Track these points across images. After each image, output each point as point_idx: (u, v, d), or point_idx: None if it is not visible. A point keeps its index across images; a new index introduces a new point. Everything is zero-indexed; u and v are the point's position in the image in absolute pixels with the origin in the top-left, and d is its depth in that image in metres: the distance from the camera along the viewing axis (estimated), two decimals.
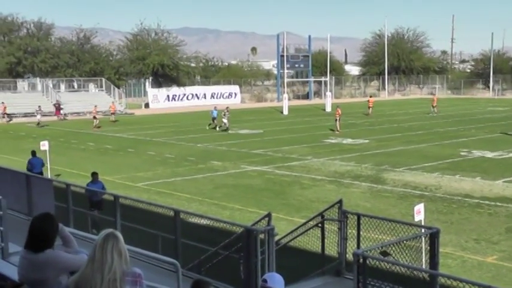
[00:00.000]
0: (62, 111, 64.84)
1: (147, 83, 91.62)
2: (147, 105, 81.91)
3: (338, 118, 49.38)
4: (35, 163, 26.18)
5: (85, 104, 70.97)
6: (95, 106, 60.73)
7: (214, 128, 52.24)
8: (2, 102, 64.59)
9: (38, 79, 78.66)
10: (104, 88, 78.57)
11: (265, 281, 6.53)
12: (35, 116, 60.25)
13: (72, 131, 52.25)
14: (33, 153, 26.75)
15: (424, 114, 65.71)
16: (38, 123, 58.39)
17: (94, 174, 20.39)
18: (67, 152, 39.49)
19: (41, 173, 25.47)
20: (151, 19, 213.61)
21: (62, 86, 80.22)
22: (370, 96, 71.74)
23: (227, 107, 54.10)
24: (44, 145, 29.57)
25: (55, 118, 65.29)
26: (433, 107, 67.06)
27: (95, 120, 57.22)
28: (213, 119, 53.44)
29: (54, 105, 66.81)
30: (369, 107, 66.94)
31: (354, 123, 56.55)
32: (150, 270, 11.20)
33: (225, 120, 51.25)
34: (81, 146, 42.23)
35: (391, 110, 65.68)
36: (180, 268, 9.67)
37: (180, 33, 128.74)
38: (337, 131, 48.60)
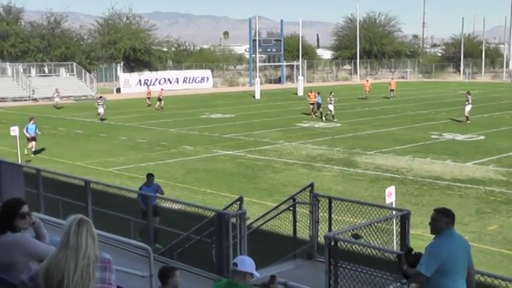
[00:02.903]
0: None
1: (118, 68, 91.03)
2: (118, 90, 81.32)
3: (311, 103, 49.41)
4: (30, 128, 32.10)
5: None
6: (148, 87, 66.86)
7: (321, 117, 47.70)
8: None
9: (7, 64, 77.70)
10: (75, 73, 77.85)
11: (235, 264, 6.53)
12: (54, 98, 60.92)
13: (43, 116, 51.74)
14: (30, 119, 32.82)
15: (388, 98, 65.70)
16: (55, 106, 59.41)
17: (149, 176, 17.68)
18: (38, 137, 39.12)
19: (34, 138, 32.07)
20: (123, 3, 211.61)
21: (33, 71, 79.53)
22: (367, 81, 71.09)
23: (331, 92, 48.54)
24: (14, 130, 29.35)
25: (28, 103, 64.78)
26: (391, 90, 66.80)
27: (147, 101, 60.03)
28: (318, 106, 49.17)
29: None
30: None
31: (326, 107, 56.60)
32: (122, 255, 11.18)
33: (331, 107, 46.26)
34: (52, 131, 41.85)
35: (363, 93, 65.74)
36: (151, 253, 9.67)
37: (152, 18, 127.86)
38: (314, 115, 48.55)
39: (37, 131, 32.99)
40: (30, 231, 6.19)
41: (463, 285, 8.00)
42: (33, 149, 31.95)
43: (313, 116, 48.32)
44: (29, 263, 5.71)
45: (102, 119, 47.90)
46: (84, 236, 4.79)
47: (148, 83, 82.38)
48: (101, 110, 48.31)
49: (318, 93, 49.32)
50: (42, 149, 33.22)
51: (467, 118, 42.74)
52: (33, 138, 32.17)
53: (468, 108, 42.94)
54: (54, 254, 4.88)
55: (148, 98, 60.53)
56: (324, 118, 46.27)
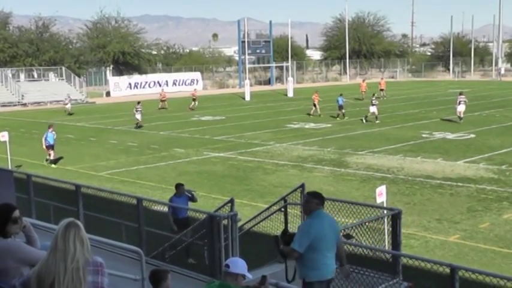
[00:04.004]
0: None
1: (107, 71, 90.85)
2: (108, 94, 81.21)
3: (317, 102, 49.34)
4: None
5: (45, 94, 70.23)
6: (195, 89, 66.18)
7: (341, 117, 46.93)
8: None
9: None
10: (64, 77, 77.57)
11: (227, 266, 6.54)
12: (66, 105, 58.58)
13: (33, 121, 51.63)
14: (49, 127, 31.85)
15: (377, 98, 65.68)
16: (67, 111, 57.33)
17: (179, 186, 16.29)
18: (28, 142, 39.05)
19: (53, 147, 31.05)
20: (111, 7, 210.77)
21: (22, 76, 79.14)
22: (363, 81, 71.07)
23: (374, 94, 46.93)
24: (4, 136, 29.24)
25: (17, 108, 64.59)
26: (381, 90, 66.91)
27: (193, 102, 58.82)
28: (340, 107, 47.46)
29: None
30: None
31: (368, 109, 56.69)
32: (114, 259, 11.16)
33: (373, 109, 44.27)
34: (42, 136, 41.69)
35: (353, 93, 65.83)
36: (143, 256, 9.65)
37: (141, 21, 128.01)
38: (317, 115, 48.52)
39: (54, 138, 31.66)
40: (20, 236, 6.19)
41: (333, 260, 9.10)
42: (51, 158, 31.02)
43: (311, 115, 48.35)
44: (20, 269, 5.71)
45: (139, 126, 44.80)
46: (71, 239, 4.79)
47: (138, 86, 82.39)
48: (138, 116, 45.21)
49: (340, 94, 48.88)
50: (60, 158, 32.22)
51: (460, 118, 42.28)
52: (52, 147, 31.09)
53: (460, 108, 42.55)
54: (45, 258, 4.90)
55: (163, 101, 60.31)
56: (364, 120, 44.32)
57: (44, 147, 31.10)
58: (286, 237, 9.28)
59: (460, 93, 44.03)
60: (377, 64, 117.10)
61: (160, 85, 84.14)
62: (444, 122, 43.06)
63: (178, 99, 65.06)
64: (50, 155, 31.05)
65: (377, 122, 43.41)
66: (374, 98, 45.03)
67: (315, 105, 49.41)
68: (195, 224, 13.02)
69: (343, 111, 47.42)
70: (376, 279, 10.19)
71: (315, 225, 8.95)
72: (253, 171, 27.65)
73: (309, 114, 49.07)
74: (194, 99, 58.86)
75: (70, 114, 56.53)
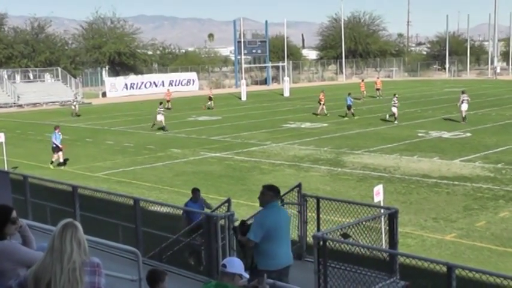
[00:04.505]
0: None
1: (103, 72, 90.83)
2: (104, 94, 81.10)
3: (323, 102, 49.30)
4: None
5: (41, 95, 70.13)
6: (210, 88, 66.74)
7: (352, 116, 46.97)
8: None
9: None
10: (60, 78, 77.41)
11: (224, 266, 6.54)
12: (73, 106, 56.90)
13: (29, 122, 51.59)
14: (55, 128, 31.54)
15: (374, 97, 65.81)
16: (74, 113, 55.64)
17: (195, 191, 15.73)
18: (24, 143, 39.02)
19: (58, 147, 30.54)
20: (107, 7, 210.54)
21: (17, 77, 79.02)
22: (362, 80, 71.01)
23: (395, 94, 45.89)
24: (0, 137, 29.17)
25: (13, 109, 64.49)
26: (377, 90, 66.98)
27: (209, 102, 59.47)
28: (348, 107, 47.49)
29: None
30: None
31: (312, 107, 56.72)
32: (111, 259, 11.17)
33: (394, 110, 43.94)
34: (38, 137, 41.73)
35: (359, 94, 65.86)
36: (140, 256, 9.66)
37: (137, 21, 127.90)
38: (324, 114, 48.54)
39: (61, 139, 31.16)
40: (16, 237, 6.18)
41: (287, 249, 9.68)
42: (60, 160, 30.59)
43: (317, 115, 48.35)
44: (17, 270, 5.70)
45: (161, 128, 42.89)
46: (68, 240, 4.79)
47: (134, 87, 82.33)
48: (160, 117, 43.21)
49: (349, 94, 48.81)
50: (67, 160, 31.59)
51: (463, 118, 42.06)
52: (59, 149, 30.66)
53: (464, 107, 42.26)
54: (41, 259, 4.90)
55: (168, 101, 60.09)
56: (387, 117, 44.31)
57: (59, 146, 30.65)
58: (244, 227, 9.70)
59: (463, 92, 43.76)
60: (373, 63, 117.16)
61: (156, 85, 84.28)
62: (440, 120, 43.05)
63: (175, 100, 64.92)
64: (55, 157, 30.59)
65: (395, 123, 42.80)
66: (395, 99, 44.44)
67: (320, 104, 49.26)
68: (192, 224, 13.02)
69: (352, 110, 47.38)
70: (373, 278, 10.20)
71: (270, 217, 9.44)
72: (249, 171, 27.66)
73: (315, 114, 48.94)
74: (210, 98, 59.61)
75: (78, 115, 55.23)
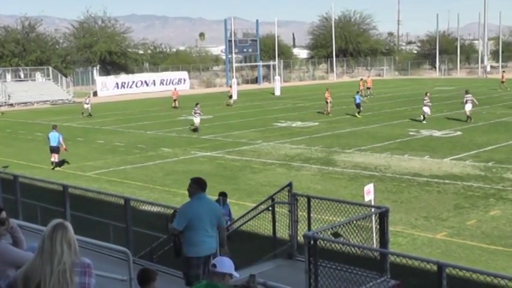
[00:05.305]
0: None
1: (94, 71, 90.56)
2: (95, 94, 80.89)
3: (330, 100, 49.16)
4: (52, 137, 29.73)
5: (32, 94, 69.92)
6: (230, 86, 68.71)
7: (358, 113, 46.49)
8: None
9: None
10: (51, 77, 77.19)
11: (214, 265, 6.54)
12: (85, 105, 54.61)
13: (20, 122, 51.46)
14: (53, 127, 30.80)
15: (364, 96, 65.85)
16: (85, 113, 53.91)
17: (222, 196, 15.29)
18: (15, 142, 38.93)
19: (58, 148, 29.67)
20: (98, 6, 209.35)
21: (8, 76, 78.65)
22: (361, 79, 70.86)
23: (427, 93, 44.45)
24: None
25: (4, 109, 64.26)
26: (368, 88, 67.05)
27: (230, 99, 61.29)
28: (357, 105, 46.90)
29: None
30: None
31: (303, 106, 56.81)
32: (102, 259, 11.13)
33: (426, 109, 42.51)
34: (28, 136, 41.63)
35: (340, 92, 65.96)
36: (131, 256, 9.63)
37: (128, 21, 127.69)
38: (328, 113, 48.52)
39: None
40: (7, 238, 6.16)
41: (211, 239, 10.22)
42: (52, 159, 29.79)
43: (328, 113, 48.22)
44: (7, 271, 5.68)
45: (194, 130, 41.17)
46: (58, 241, 4.76)
47: (126, 86, 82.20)
48: (196, 119, 41.15)
49: (357, 92, 48.46)
50: (63, 161, 31.04)
51: (468, 117, 41.60)
52: (57, 149, 29.94)
53: (468, 107, 41.81)
54: (31, 260, 4.87)
55: (175, 100, 59.71)
56: (422, 117, 42.72)
57: (59, 147, 29.98)
58: (175, 217, 10.50)
59: (466, 92, 43.12)
60: (363, 62, 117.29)
61: (147, 85, 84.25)
62: (431, 119, 43.08)
63: (166, 99, 64.87)
64: (56, 157, 29.87)
65: (424, 122, 41.77)
66: (427, 98, 43.17)
67: (327, 103, 49.16)
68: None
69: (361, 108, 47.13)
70: (364, 277, 10.20)
71: (193, 207, 10.18)
72: (240, 170, 27.65)
73: (327, 113, 48.73)
74: (231, 96, 60.77)
75: (89, 115, 53.56)
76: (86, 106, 54.32)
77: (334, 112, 48.72)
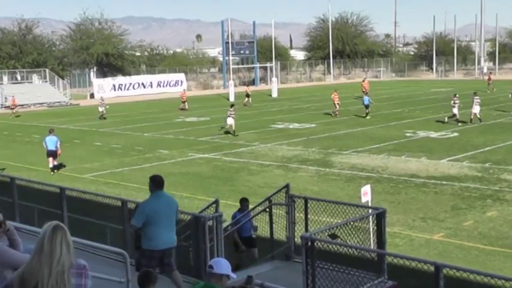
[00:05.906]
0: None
1: (91, 73, 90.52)
2: (92, 96, 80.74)
3: (337, 102, 48.99)
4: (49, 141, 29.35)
5: (29, 96, 69.80)
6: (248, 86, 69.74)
7: (366, 115, 46.52)
8: None
9: None
10: (47, 79, 77.08)
11: (211, 267, 6.54)
12: (100, 108, 53.59)
13: (16, 124, 51.40)
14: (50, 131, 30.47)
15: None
16: (101, 116, 53.02)
17: (244, 202, 14.62)
18: (11, 145, 38.89)
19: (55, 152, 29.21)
20: (94, 8, 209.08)
21: (5, 78, 78.54)
22: (363, 80, 70.64)
23: (456, 94, 42.95)
24: None
25: (0, 111, 64.16)
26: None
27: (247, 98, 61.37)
28: (366, 106, 46.61)
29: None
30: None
31: (300, 107, 56.82)
32: (99, 261, 11.13)
33: (455, 111, 41.51)
34: (25, 138, 41.59)
35: (341, 93, 65.85)
36: (128, 258, 9.62)
37: (125, 22, 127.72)
38: (336, 114, 48.39)
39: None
40: (4, 240, 6.15)
41: (169, 234, 10.68)
42: (51, 165, 29.31)
43: (336, 115, 48.06)
44: (4, 273, 5.67)
45: (227, 132, 40.12)
46: (58, 242, 4.75)
47: (123, 88, 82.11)
48: (230, 121, 39.90)
49: (366, 94, 48.32)
50: (61, 164, 30.60)
51: (479, 119, 41.45)
52: (55, 154, 29.46)
53: (476, 109, 41.55)
54: (28, 261, 4.85)
55: (183, 102, 59.16)
56: (446, 119, 41.86)
57: (57, 151, 29.53)
58: None
59: (475, 94, 42.84)
60: (360, 64, 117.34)
61: (144, 86, 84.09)
62: (428, 120, 43.11)
63: (163, 101, 64.88)
64: (53, 162, 29.44)
65: (459, 124, 40.81)
66: (456, 99, 41.81)
67: (335, 105, 49.05)
68: (180, 225, 12.98)
69: (369, 110, 46.95)
70: (361, 278, 10.21)
71: (150, 203, 10.73)
72: (238, 172, 27.64)
73: (335, 115, 48.60)
74: (248, 96, 60.88)
75: (104, 118, 52.61)
76: (100, 109, 53.46)
77: (321, 115, 48.70)
